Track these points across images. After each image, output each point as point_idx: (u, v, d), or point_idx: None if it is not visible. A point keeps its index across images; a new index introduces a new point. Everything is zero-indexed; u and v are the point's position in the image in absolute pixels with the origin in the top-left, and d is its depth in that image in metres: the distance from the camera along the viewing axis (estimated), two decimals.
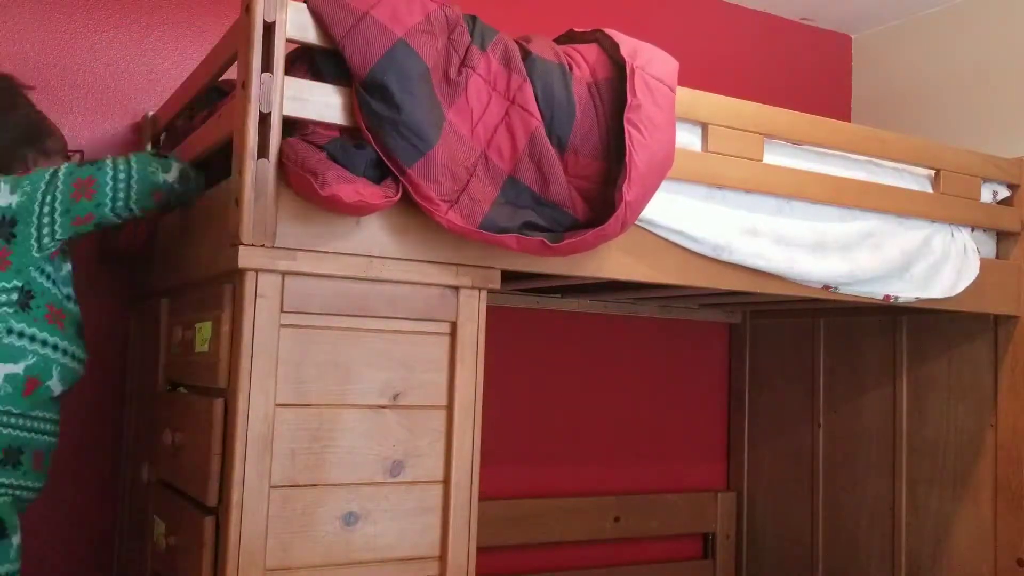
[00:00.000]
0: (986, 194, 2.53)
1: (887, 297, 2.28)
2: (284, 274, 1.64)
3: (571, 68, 1.83)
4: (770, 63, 3.48)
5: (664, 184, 1.93)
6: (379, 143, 1.63)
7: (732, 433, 3.30)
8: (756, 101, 2.20)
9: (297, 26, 1.67)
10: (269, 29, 1.63)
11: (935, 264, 2.34)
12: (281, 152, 1.60)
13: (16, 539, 1.83)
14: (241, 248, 1.59)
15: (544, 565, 2.96)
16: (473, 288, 1.79)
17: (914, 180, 2.41)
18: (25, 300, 1.82)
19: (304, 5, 1.67)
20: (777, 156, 2.20)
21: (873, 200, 2.30)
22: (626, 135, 1.75)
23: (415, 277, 1.74)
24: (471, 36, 1.74)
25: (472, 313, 1.79)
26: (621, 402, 3.12)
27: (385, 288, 1.72)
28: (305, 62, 1.71)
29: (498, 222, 1.69)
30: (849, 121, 3.51)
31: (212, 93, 2.11)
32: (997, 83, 3.09)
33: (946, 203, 2.41)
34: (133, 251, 2.24)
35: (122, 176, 1.83)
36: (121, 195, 1.83)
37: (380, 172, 1.64)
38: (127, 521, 2.35)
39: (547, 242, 1.70)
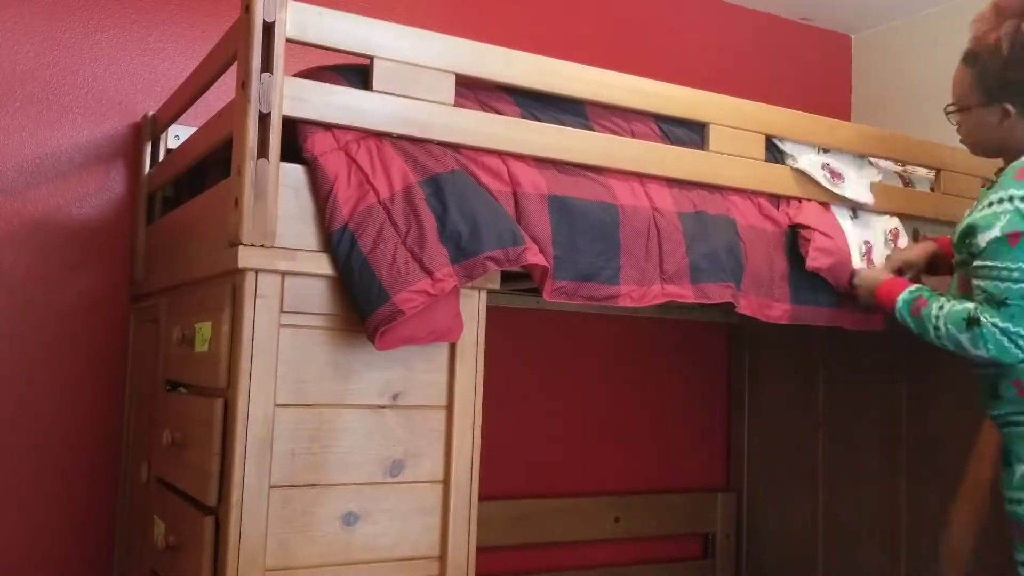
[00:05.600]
0: None
1: None
2: (284, 274, 1.64)
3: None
4: (770, 63, 3.48)
5: (667, 185, 2.01)
6: None
7: (732, 433, 3.30)
8: (756, 101, 2.21)
9: (297, 26, 1.67)
10: (269, 29, 1.63)
11: None
12: None
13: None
14: (241, 248, 1.59)
15: (544, 565, 2.96)
16: (473, 288, 1.79)
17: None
18: None
19: (303, 5, 1.67)
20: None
21: (875, 200, 2.30)
22: None
23: None
24: None
25: (472, 313, 1.79)
26: (621, 402, 3.12)
27: None
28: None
29: None
30: (849, 121, 3.51)
31: None
32: None
33: (946, 202, 2.41)
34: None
35: None
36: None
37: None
38: (127, 521, 2.35)
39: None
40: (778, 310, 2.12)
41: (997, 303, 1.86)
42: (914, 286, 2.06)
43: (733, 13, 3.44)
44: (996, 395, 1.97)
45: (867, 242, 2.25)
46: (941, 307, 1.95)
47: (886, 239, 2.29)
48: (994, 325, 1.85)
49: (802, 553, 2.99)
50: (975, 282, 1.92)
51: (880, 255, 2.26)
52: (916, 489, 2.64)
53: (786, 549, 3.06)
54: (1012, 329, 1.84)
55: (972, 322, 1.88)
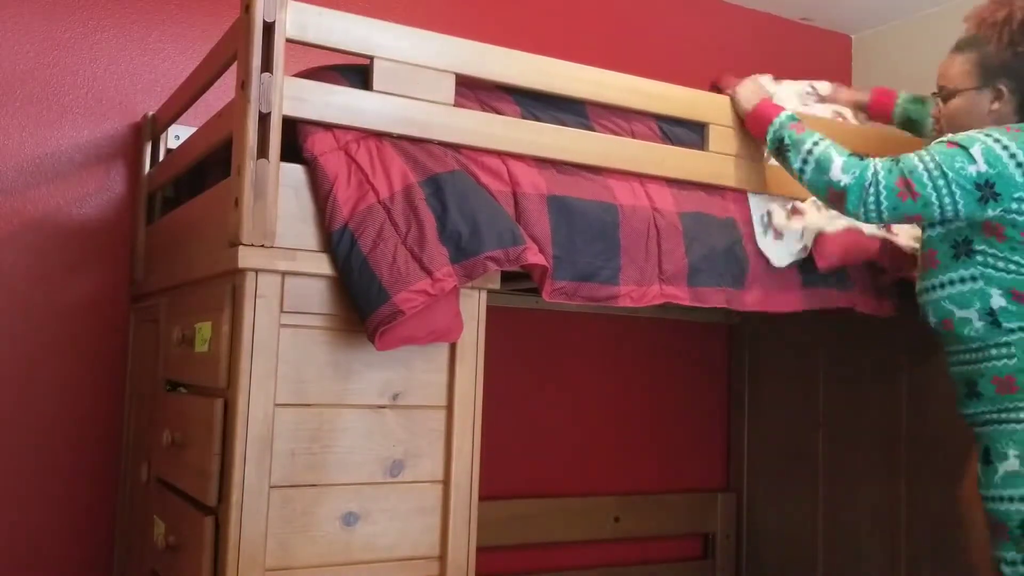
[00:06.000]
0: None
1: None
2: (284, 274, 1.64)
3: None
4: (770, 63, 3.47)
5: (667, 185, 2.02)
6: None
7: (732, 433, 3.30)
8: None
9: (297, 26, 1.67)
10: (269, 29, 1.63)
11: None
12: None
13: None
14: (241, 248, 1.59)
15: (544, 565, 2.95)
16: (473, 288, 1.79)
17: None
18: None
19: (303, 5, 1.67)
20: None
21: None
22: None
23: None
24: None
25: (472, 313, 1.79)
26: (621, 402, 3.12)
27: None
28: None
29: None
30: None
31: None
32: None
33: None
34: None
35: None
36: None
37: None
38: (127, 521, 2.35)
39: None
40: (789, 298, 2.12)
41: (896, 160, 1.89)
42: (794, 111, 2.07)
43: (733, 13, 3.44)
44: (974, 393, 1.97)
45: (768, 212, 2.18)
46: (823, 137, 1.97)
47: (786, 210, 2.22)
48: (875, 167, 1.88)
49: (802, 553, 2.99)
50: None
51: (780, 223, 2.18)
52: (916, 489, 2.64)
53: (786, 549, 3.07)
54: (881, 180, 1.86)
55: (855, 155, 1.91)
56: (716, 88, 2.21)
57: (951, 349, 2.04)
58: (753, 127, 2.09)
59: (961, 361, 2.00)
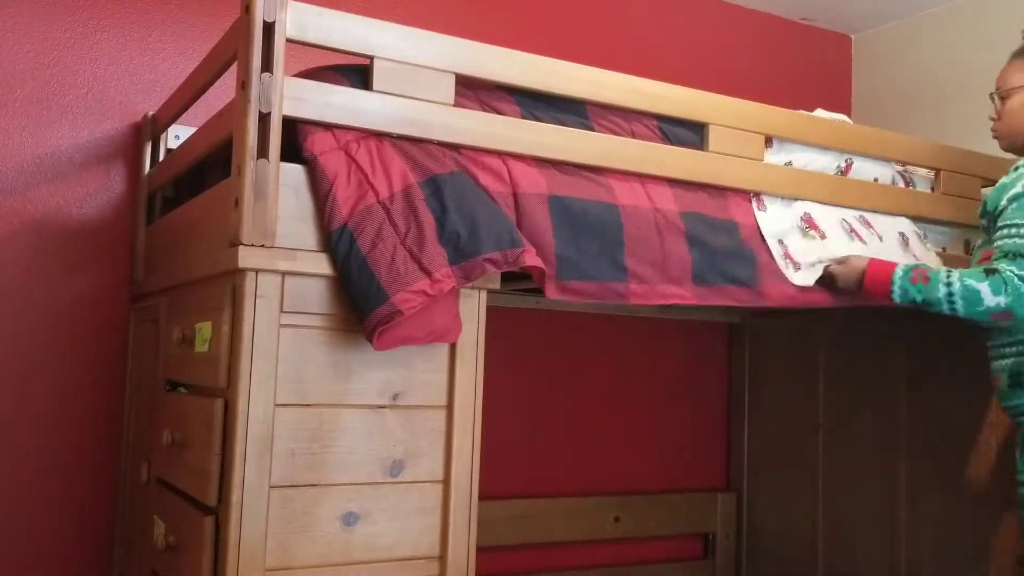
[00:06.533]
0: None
1: None
2: (284, 274, 1.64)
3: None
4: (770, 63, 3.48)
5: (668, 185, 2.02)
6: None
7: (732, 433, 3.30)
8: (756, 101, 2.21)
9: (297, 26, 1.67)
10: (269, 29, 1.63)
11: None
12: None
13: None
14: (241, 248, 1.59)
15: (544, 565, 2.95)
16: (473, 288, 1.79)
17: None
18: None
19: (303, 5, 1.67)
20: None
21: (875, 200, 2.30)
22: None
23: None
24: None
25: (472, 313, 1.79)
26: (621, 402, 3.12)
27: None
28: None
29: None
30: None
31: None
32: None
33: (946, 202, 2.41)
34: None
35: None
36: None
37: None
38: (127, 521, 2.35)
39: None
40: (789, 291, 2.11)
41: (1013, 256, 1.93)
42: (905, 262, 2.09)
43: (733, 13, 3.44)
44: (1020, 384, 2.01)
45: (781, 241, 2.15)
46: (950, 270, 2.00)
47: (799, 226, 2.19)
48: (1011, 273, 1.91)
49: (802, 553, 2.99)
50: (995, 242, 1.98)
51: (798, 248, 2.15)
52: (916, 489, 2.64)
53: (786, 549, 3.06)
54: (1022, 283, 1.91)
55: (991, 272, 1.94)
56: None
57: (997, 343, 2.10)
58: (874, 293, 2.09)
59: (1009, 354, 2.05)
